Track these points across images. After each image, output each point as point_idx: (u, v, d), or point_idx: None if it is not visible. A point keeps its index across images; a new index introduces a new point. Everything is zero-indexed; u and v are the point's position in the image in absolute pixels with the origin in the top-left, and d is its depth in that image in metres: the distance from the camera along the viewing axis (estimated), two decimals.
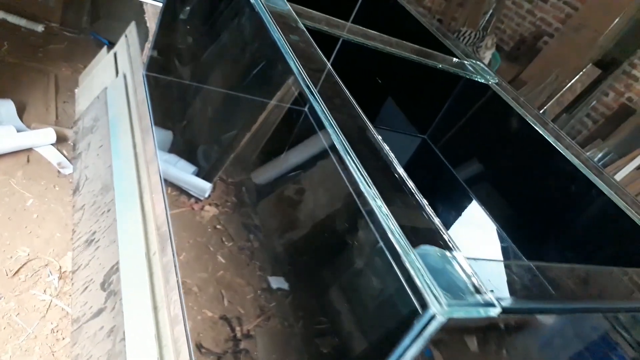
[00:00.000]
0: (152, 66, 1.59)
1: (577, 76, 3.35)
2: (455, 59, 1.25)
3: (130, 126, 1.61)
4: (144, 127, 1.55)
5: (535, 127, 1.22)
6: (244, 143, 2.09)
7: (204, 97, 1.89)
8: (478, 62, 1.29)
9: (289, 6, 1.08)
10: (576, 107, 3.43)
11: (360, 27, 1.13)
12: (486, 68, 1.28)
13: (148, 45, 1.80)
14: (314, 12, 1.09)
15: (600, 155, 3.03)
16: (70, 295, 1.38)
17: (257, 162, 2.15)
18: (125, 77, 1.81)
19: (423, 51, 1.15)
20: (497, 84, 1.27)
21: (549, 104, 3.41)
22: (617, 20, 3.24)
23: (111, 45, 2.56)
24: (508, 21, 4.29)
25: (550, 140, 1.19)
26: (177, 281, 1.10)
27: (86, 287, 1.30)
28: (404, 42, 1.19)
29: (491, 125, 1.54)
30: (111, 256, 1.31)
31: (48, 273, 1.40)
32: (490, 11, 4.24)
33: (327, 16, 1.09)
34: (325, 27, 0.98)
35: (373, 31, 1.12)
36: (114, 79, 1.85)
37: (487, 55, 3.54)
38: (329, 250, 1.78)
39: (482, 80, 1.24)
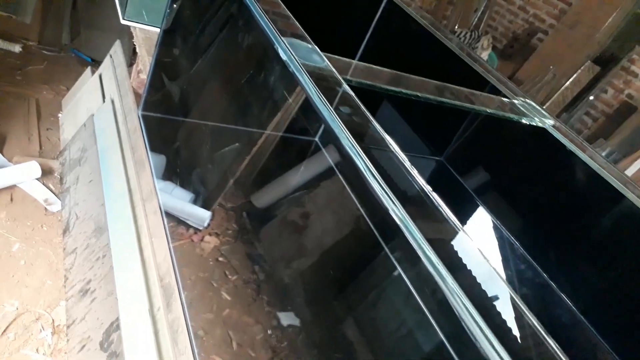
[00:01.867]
0: (149, 106, 1.47)
1: (576, 74, 3.28)
2: (504, 99, 1.11)
3: (122, 158, 1.49)
4: (138, 160, 1.42)
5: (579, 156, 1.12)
6: (244, 165, 1.97)
7: (201, 125, 1.77)
8: (528, 101, 1.16)
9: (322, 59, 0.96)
10: (575, 105, 3.36)
11: (393, 71, 0.98)
12: (538, 107, 1.14)
13: (137, 68, 1.68)
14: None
15: (604, 154, 2.96)
16: (66, 353, 1.25)
17: (257, 184, 2.04)
18: (113, 102, 1.68)
19: (469, 97, 1.02)
20: (552, 126, 1.15)
21: (548, 103, 3.34)
22: (613, 15, 3.17)
23: (94, 62, 2.43)
24: (500, 18, 4.21)
25: (594, 167, 1.09)
26: (192, 348, 0.98)
27: (83, 346, 1.18)
28: (450, 85, 1.04)
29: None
30: (110, 310, 1.18)
31: (40, 328, 1.28)
32: (482, 8, 4.16)
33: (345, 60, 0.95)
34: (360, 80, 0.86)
35: (407, 75, 0.98)
36: (100, 104, 1.71)
37: (484, 56, 3.45)
38: (341, 279, 1.68)
39: (539, 124, 1.12)
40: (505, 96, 1.16)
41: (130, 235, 1.26)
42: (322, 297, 1.73)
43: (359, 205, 1.72)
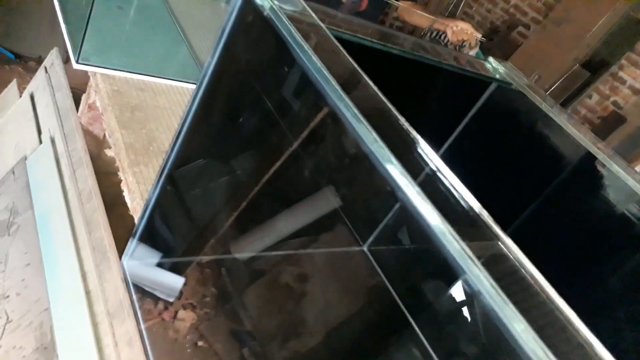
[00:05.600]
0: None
1: (562, 78, 3.09)
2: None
3: (72, 233, 1.08)
4: (97, 244, 1.02)
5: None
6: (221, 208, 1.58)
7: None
8: None
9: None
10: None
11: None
12: None
13: (87, 100, 1.23)
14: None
15: None
16: None
17: (238, 228, 1.66)
18: (54, 143, 1.24)
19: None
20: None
21: None
22: (606, 16, 2.97)
23: (19, 59, 1.90)
24: (478, 6, 3.93)
25: None
26: None
27: None
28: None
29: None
30: None
31: None
32: None
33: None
34: None
35: None
36: (36, 144, 1.27)
37: (472, 55, 3.18)
38: None
39: None
40: None
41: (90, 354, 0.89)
42: None
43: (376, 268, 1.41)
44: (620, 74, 3.04)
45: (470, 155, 1.03)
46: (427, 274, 1.16)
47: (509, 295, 0.40)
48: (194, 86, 1.25)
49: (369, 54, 0.81)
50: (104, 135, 1.26)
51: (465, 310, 1.05)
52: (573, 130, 1.01)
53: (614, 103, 3.07)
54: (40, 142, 1.26)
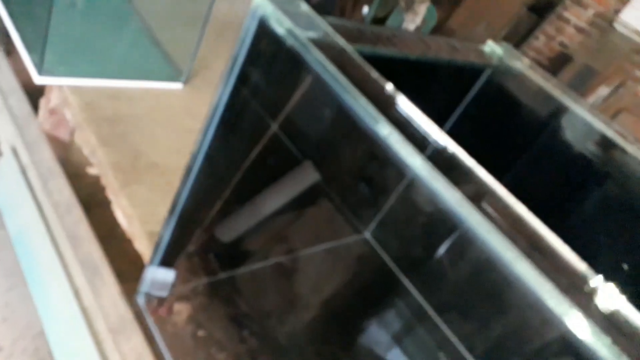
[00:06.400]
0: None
1: (511, 23, 3.14)
2: None
3: (56, 250, 1.03)
4: (84, 259, 0.98)
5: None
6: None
7: None
8: None
9: None
10: None
11: None
12: None
13: (47, 104, 1.15)
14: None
15: None
16: None
17: (223, 210, 1.64)
18: (16, 153, 1.16)
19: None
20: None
21: None
22: None
23: None
24: None
25: None
26: None
27: None
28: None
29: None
30: None
31: None
32: None
33: None
34: None
35: None
36: None
37: (421, 11, 3.15)
38: (354, 333, 1.42)
39: None
40: None
41: None
42: (331, 349, 1.46)
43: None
44: (565, 14, 3.12)
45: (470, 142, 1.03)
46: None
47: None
48: (169, 86, 1.19)
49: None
50: (72, 139, 1.19)
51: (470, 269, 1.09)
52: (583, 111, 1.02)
53: (561, 43, 3.16)
54: (1, 153, 1.18)
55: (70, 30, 1.01)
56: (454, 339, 1.25)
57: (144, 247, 0.95)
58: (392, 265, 1.31)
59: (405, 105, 0.49)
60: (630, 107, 3.13)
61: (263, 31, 0.51)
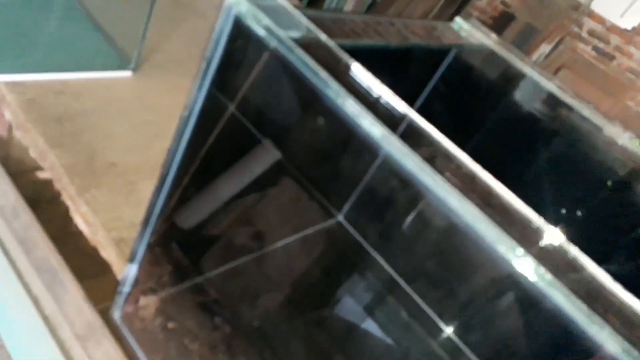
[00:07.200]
0: None
1: None
2: None
3: (6, 257, 0.95)
4: (39, 261, 0.92)
5: None
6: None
7: None
8: None
9: None
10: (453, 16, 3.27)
11: None
12: None
13: None
14: None
15: None
16: None
17: (181, 198, 1.58)
18: None
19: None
20: None
21: (431, 15, 3.19)
22: None
23: None
24: None
25: None
26: None
27: None
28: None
29: None
30: None
31: None
32: None
33: None
34: None
35: None
36: None
37: None
38: (322, 295, 1.42)
39: None
40: None
41: None
42: (306, 326, 1.46)
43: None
44: None
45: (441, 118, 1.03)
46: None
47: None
48: (117, 75, 1.09)
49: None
50: (9, 134, 1.10)
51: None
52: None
53: (503, 2, 3.21)
54: None
55: (0, 22, 0.90)
56: (425, 307, 1.27)
57: (112, 257, 0.88)
58: (361, 240, 1.31)
59: (359, 72, 0.47)
60: (569, 63, 3.24)
61: (239, 30, 0.47)
